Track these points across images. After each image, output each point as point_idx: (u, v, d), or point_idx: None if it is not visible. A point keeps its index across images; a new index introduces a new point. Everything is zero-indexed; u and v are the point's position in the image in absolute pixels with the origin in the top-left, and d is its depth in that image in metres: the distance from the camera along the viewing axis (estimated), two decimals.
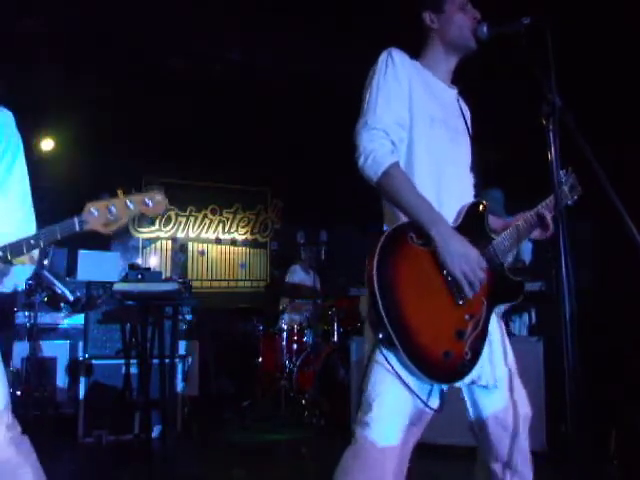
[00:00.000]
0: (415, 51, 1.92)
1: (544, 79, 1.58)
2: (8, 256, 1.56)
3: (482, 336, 1.70)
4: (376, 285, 1.56)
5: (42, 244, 1.56)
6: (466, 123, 1.94)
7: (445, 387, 1.70)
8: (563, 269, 1.53)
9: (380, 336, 1.57)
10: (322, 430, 4.79)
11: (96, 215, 1.53)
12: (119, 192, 1.57)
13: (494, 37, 1.82)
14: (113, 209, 1.53)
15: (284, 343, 5.66)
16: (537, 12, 1.62)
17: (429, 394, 1.69)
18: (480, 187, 1.89)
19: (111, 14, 4.76)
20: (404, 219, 1.69)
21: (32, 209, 1.85)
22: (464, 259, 1.62)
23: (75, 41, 5.04)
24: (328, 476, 1.71)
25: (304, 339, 5.67)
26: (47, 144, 6.60)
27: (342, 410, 4.51)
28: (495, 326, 1.79)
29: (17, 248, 1.55)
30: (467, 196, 1.84)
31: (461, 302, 1.66)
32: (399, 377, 1.61)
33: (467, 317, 1.68)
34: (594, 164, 1.56)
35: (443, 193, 1.75)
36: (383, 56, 1.79)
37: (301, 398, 5.26)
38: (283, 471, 3.92)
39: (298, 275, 6.35)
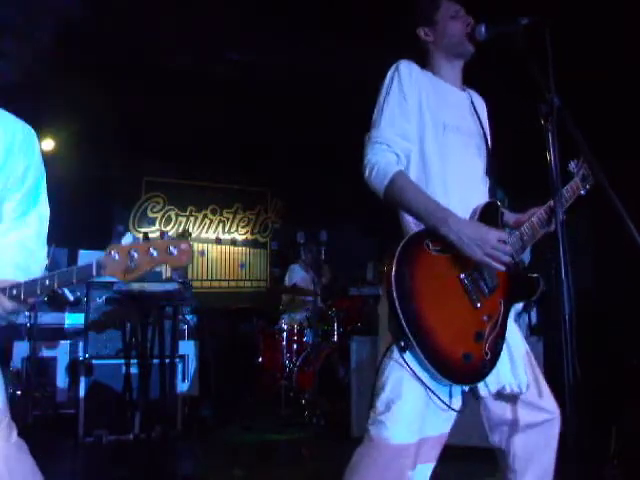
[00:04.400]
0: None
1: (542, 79, 1.59)
2: (22, 296, 1.48)
3: (501, 335, 1.73)
4: (395, 296, 1.57)
5: (56, 286, 1.47)
6: (482, 125, 1.95)
7: (466, 388, 1.72)
8: (563, 269, 1.53)
9: (402, 344, 1.59)
10: (322, 430, 4.78)
11: (117, 259, 1.40)
12: (142, 236, 1.48)
13: (492, 37, 1.82)
14: (135, 255, 1.39)
15: (284, 343, 5.66)
16: (535, 12, 1.62)
17: (450, 395, 1.70)
18: (494, 190, 1.90)
19: (111, 13, 4.77)
20: (416, 229, 1.71)
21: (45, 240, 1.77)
22: (481, 241, 1.62)
23: (75, 41, 5.04)
24: (328, 476, 1.71)
25: (304, 339, 5.67)
26: (47, 144, 6.60)
27: (342, 410, 4.51)
28: (513, 330, 1.81)
29: (31, 288, 1.48)
30: (481, 199, 1.84)
31: (479, 305, 1.69)
32: (420, 380, 1.62)
33: (485, 318, 1.70)
34: (593, 164, 1.56)
35: (458, 198, 1.76)
36: (391, 71, 1.83)
37: (301, 398, 5.26)
38: (283, 471, 3.91)
39: (298, 274, 6.34)
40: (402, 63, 1.83)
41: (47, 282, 1.46)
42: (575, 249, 1.61)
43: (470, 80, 1.99)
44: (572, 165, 1.97)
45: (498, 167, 1.93)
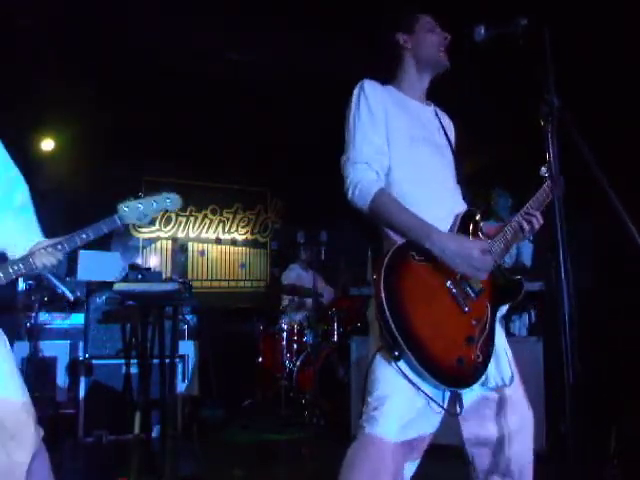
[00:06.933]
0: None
1: (542, 79, 1.59)
2: (67, 248, 1.86)
3: (490, 338, 1.77)
4: (386, 307, 1.60)
5: (92, 236, 1.87)
6: (447, 137, 2.00)
7: (460, 391, 1.74)
8: (562, 269, 1.53)
9: (396, 353, 1.62)
10: (322, 430, 4.78)
11: (130, 209, 1.89)
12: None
13: (491, 38, 1.82)
14: (141, 206, 1.91)
15: (284, 343, 5.66)
16: (534, 12, 1.62)
17: (443, 398, 1.72)
18: (467, 198, 1.94)
19: (111, 14, 4.77)
20: (399, 241, 1.73)
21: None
22: (465, 255, 1.68)
23: (75, 41, 5.04)
24: (328, 476, 1.71)
25: (304, 339, 5.67)
26: (47, 144, 6.60)
27: (342, 410, 4.51)
28: (499, 330, 1.85)
29: (72, 241, 1.85)
30: (456, 208, 1.88)
31: (467, 309, 1.73)
32: (417, 387, 1.65)
33: (474, 322, 1.74)
34: (593, 164, 1.56)
35: (430, 209, 1.77)
36: (356, 91, 1.87)
37: (301, 398, 5.26)
38: (283, 471, 3.92)
39: (295, 272, 6.33)
40: (366, 81, 1.88)
41: (84, 235, 1.85)
42: (575, 249, 1.61)
43: (471, 80, 1.99)
44: (543, 170, 1.99)
45: (500, 167, 1.94)
